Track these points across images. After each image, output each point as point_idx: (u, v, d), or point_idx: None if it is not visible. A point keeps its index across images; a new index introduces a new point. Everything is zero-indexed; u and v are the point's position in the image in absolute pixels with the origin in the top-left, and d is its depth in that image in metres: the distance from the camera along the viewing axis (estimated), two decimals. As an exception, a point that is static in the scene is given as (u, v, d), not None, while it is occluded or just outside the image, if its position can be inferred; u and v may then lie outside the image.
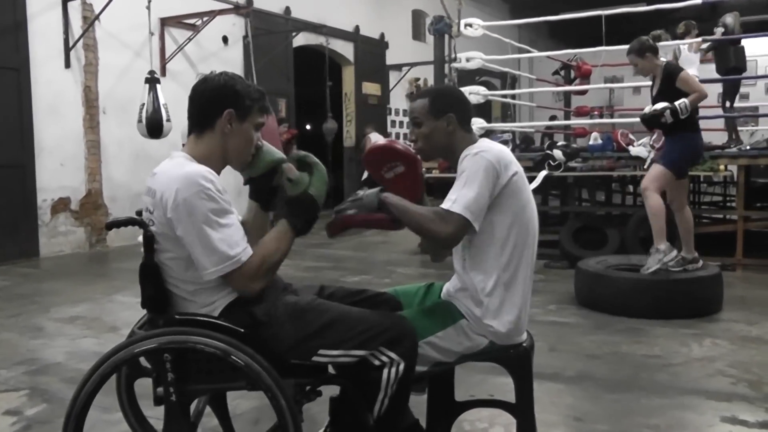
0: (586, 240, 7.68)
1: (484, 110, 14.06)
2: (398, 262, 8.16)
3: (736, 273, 7.01)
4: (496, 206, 2.33)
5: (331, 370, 2.31)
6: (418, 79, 16.60)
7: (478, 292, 2.38)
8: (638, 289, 5.38)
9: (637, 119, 6.04)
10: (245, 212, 2.39)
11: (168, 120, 8.40)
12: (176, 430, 2.10)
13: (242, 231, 2.13)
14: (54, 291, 6.75)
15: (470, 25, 8.73)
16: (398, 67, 16.11)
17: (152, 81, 8.32)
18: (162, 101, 8.31)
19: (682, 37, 8.65)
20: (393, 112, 16.45)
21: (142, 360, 2.19)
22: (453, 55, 8.79)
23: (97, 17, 9.20)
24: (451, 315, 2.41)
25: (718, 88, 9.90)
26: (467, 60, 8.70)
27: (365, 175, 3.01)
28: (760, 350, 4.50)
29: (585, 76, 11.18)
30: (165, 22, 10.42)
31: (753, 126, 11.66)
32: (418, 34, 17.22)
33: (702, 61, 9.16)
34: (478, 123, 8.02)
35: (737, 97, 9.62)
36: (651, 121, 5.52)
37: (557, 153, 7.68)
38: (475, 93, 8.39)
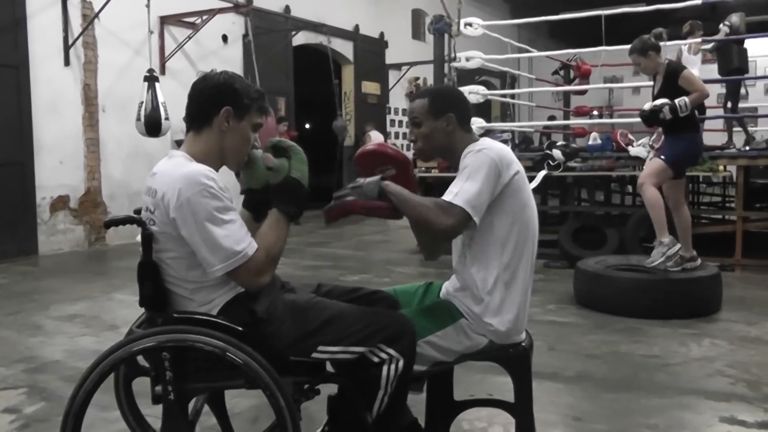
0: (586, 240, 7.68)
1: (484, 110, 14.06)
2: (397, 261, 8.16)
3: (735, 273, 7.01)
4: (497, 205, 2.32)
5: (329, 368, 2.31)
6: (417, 79, 16.61)
7: (478, 290, 2.37)
8: (637, 289, 5.38)
9: (637, 119, 6.05)
10: None
11: (167, 118, 8.40)
12: (174, 429, 2.10)
13: (245, 227, 2.13)
14: (53, 289, 6.75)
15: (470, 25, 8.72)
16: (398, 67, 16.12)
17: (151, 79, 8.32)
18: (161, 99, 8.31)
19: (686, 36, 8.65)
20: (392, 111, 16.46)
21: (141, 359, 2.19)
22: (453, 55, 8.78)
23: (96, 15, 9.20)
24: (450, 314, 2.40)
25: (718, 88, 9.91)
26: (467, 59, 8.71)
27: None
28: (759, 350, 4.51)
29: (584, 76, 11.19)
30: (164, 20, 10.42)
31: (752, 126, 11.66)
32: (417, 34, 17.23)
33: (704, 62, 9.16)
34: (477, 122, 8.02)
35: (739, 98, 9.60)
36: (650, 118, 5.51)
37: (556, 153, 7.68)
38: (474, 92, 8.39)
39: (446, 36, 8.79)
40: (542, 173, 7.51)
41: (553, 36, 21.54)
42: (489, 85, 15.11)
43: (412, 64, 15.93)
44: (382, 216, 2.37)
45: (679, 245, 5.46)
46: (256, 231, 2.20)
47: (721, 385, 3.86)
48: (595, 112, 11.86)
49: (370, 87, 15.62)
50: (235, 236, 2.06)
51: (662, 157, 5.55)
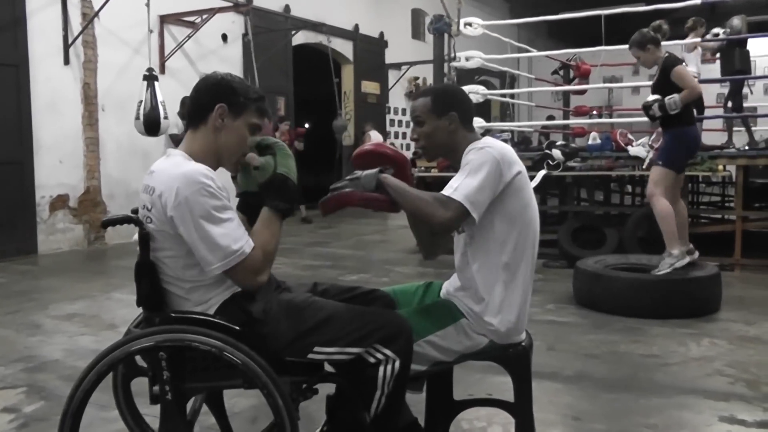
0: (585, 239, 7.68)
1: (483, 110, 14.08)
2: (396, 261, 8.15)
3: (734, 273, 7.01)
4: (499, 204, 2.32)
5: (327, 367, 2.30)
6: (417, 78, 16.61)
7: (478, 290, 2.37)
8: (637, 288, 5.38)
9: (636, 119, 6.07)
10: None
11: (166, 117, 8.40)
12: (172, 429, 2.09)
13: (243, 226, 2.13)
14: (52, 288, 6.75)
15: (470, 24, 8.72)
16: (397, 66, 16.12)
17: (150, 78, 8.31)
18: (160, 98, 8.30)
19: (688, 32, 8.66)
20: (392, 111, 16.46)
21: (139, 359, 2.18)
22: (452, 54, 8.78)
23: (96, 14, 9.19)
24: (451, 314, 2.40)
25: (717, 88, 9.90)
26: (466, 59, 8.70)
27: None
28: (758, 350, 4.51)
29: (584, 76, 11.19)
30: (164, 19, 10.42)
31: (752, 126, 11.66)
32: (417, 33, 17.23)
33: (704, 61, 9.15)
34: (477, 122, 8.02)
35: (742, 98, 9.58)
36: (645, 113, 5.57)
37: (556, 152, 7.68)
38: (474, 92, 8.37)
39: (446, 36, 8.79)
40: (542, 173, 7.50)
41: (553, 36, 21.54)
42: (488, 85, 15.12)
43: (411, 64, 15.94)
44: (379, 208, 2.36)
45: (687, 259, 5.46)
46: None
47: (721, 384, 3.86)
48: (595, 112, 11.86)
49: (370, 87, 15.63)
50: (233, 235, 2.06)
51: (659, 162, 5.57)
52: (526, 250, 2.38)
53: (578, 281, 5.81)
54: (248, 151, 2.27)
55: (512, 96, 13.20)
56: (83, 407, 2.03)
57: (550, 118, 13.47)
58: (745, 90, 9.46)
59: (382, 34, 15.87)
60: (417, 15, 17.21)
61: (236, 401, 3.43)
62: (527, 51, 11.25)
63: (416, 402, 2.59)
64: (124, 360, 2.11)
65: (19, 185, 8.61)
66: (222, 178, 2.20)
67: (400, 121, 16.74)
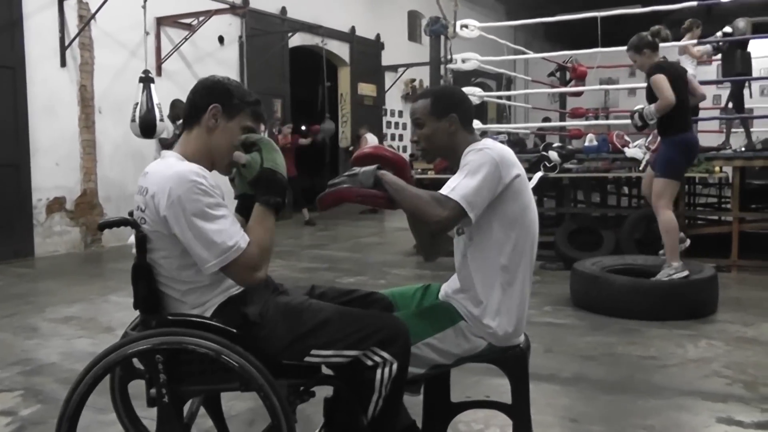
0: (582, 241, 7.68)
1: (480, 111, 14.06)
2: (393, 263, 8.15)
3: (731, 274, 7.01)
4: (497, 207, 2.31)
5: (325, 370, 2.30)
6: (413, 80, 16.62)
7: (477, 292, 2.37)
8: (634, 290, 5.38)
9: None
10: None
11: (162, 119, 8.41)
12: (169, 432, 2.09)
13: (238, 223, 2.12)
14: (49, 291, 6.73)
15: (466, 26, 8.72)
16: (394, 68, 16.13)
17: (146, 80, 8.32)
18: (156, 101, 8.31)
19: (684, 34, 8.67)
20: (389, 113, 16.46)
21: (136, 361, 2.18)
22: (449, 56, 8.78)
23: (93, 16, 9.18)
24: (449, 316, 2.40)
25: (713, 90, 9.90)
26: (463, 61, 8.71)
27: None
28: (756, 351, 4.51)
29: (580, 78, 11.20)
30: (161, 21, 10.42)
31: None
32: (413, 35, 17.24)
33: (700, 63, 9.16)
34: (474, 124, 8.02)
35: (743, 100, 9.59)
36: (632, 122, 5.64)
37: (553, 154, 7.68)
38: (470, 94, 8.37)
39: (442, 38, 8.79)
40: (538, 174, 7.51)
41: (549, 38, 21.58)
42: (485, 87, 15.15)
43: (408, 66, 15.94)
44: (376, 205, 2.36)
45: (687, 272, 5.47)
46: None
47: (718, 385, 3.86)
48: (591, 114, 11.88)
49: (367, 89, 15.64)
50: (228, 231, 2.05)
51: (660, 174, 5.58)
52: (525, 253, 2.38)
53: (575, 283, 5.81)
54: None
55: (509, 98, 13.21)
56: (80, 410, 2.03)
57: (546, 119, 13.48)
58: (745, 91, 9.45)
59: (378, 36, 15.87)
60: (413, 17, 17.22)
61: (233, 404, 3.42)
62: (524, 53, 11.27)
63: (413, 404, 2.58)
64: (121, 363, 2.11)
65: (15, 188, 8.59)
66: (220, 179, 2.20)
67: (396, 123, 16.74)
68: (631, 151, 7.47)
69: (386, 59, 16.08)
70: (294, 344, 2.15)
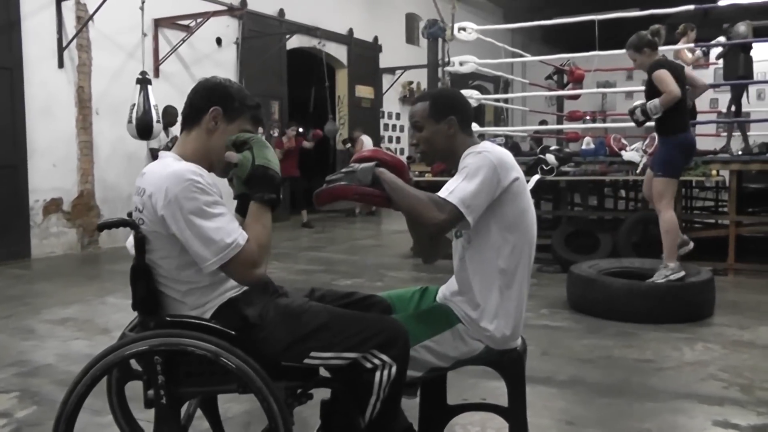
0: (579, 244, 7.69)
1: (477, 114, 14.10)
2: (390, 265, 8.15)
3: (728, 278, 7.02)
4: (496, 210, 2.32)
5: (323, 372, 2.30)
6: (411, 83, 16.62)
7: (475, 295, 2.37)
8: (630, 293, 5.38)
9: (630, 124, 6.08)
10: None
11: (158, 121, 8.43)
12: (166, 433, 2.09)
13: (236, 221, 2.12)
14: (45, 292, 6.72)
15: (464, 29, 8.74)
16: (391, 71, 16.13)
17: (143, 82, 8.32)
18: (153, 102, 8.31)
19: (679, 38, 8.69)
20: (386, 115, 16.46)
21: (133, 362, 2.18)
22: (446, 59, 8.80)
23: (90, 17, 9.17)
24: (447, 319, 2.40)
25: (711, 93, 9.88)
26: (460, 64, 8.72)
27: None
28: (752, 354, 4.52)
29: (578, 81, 11.22)
30: (158, 23, 10.41)
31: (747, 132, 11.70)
32: (411, 38, 17.24)
33: (696, 66, 9.18)
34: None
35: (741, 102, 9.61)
36: (632, 119, 5.61)
37: (550, 157, 7.69)
38: (468, 97, 8.39)
39: (440, 40, 8.81)
40: (535, 177, 7.51)
41: (547, 41, 21.57)
42: (482, 90, 15.11)
43: (405, 69, 15.93)
44: (374, 203, 2.35)
45: (683, 272, 5.47)
46: None
47: (714, 389, 3.87)
48: (588, 117, 11.90)
49: (364, 91, 15.64)
50: (226, 228, 2.04)
51: (660, 173, 5.58)
52: (523, 256, 2.38)
53: (572, 286, 5.81)
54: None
55: (506, 101, 13.23)
56: (77, 412, 2.03)
57: (543, 122, 13.49)
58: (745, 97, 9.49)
59: (376, 39, 15.88)
60: (411, 19, 17.23)
61: (230, 406, 3.42)
62: (521, 56, 11.29)
63: (410, 407, 2.58)
64: (118, 364, 2.11)
65: (12, 189, 8.58)
66: (218, 179, 2.20)
67: (394, 126, 16.75)
68: (628, 155, 7.48)
69: (384, 62, 16.08)
70: (293, 346, 2.14)
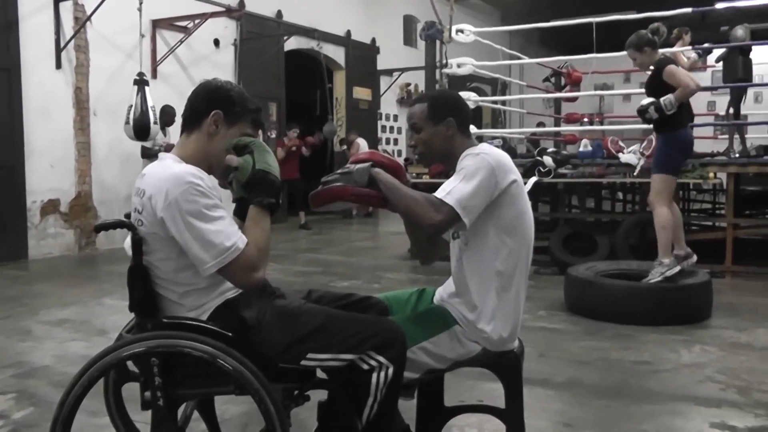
0: (576, 246, 7.70)
1: (475, 116, 14.08)
2: (387, 267, 8.15)
3: (725, 280, 7.03)
4: (493, 212, 2.32)
5: (320, 374, 2.30)
6: (409, 85, 16.63)
7: (472, 297, 2.37)
8: (628, 295, 5.39)
9: (628, 126, 6.09)
10: None
11: (155, 122, 8.42)
12: (163, 435, 2.09)
13: (235, 224, 2.12)
14: (43, 294, 6.72)
15: (461, 31, 8.74)
16: (389, 72, 16.12)
17: (141, 83, 8.32)
18: (150, 103, 8.31)
19: (674, 42, 8.71)
20: (383, 117, 16.46)
21: (130, 364, 2.17)
22: (444, 61, 8.80)
23: (88, 18, 9.17)
24: (444, 320, 2.40)
25: (708, 96, 9.90)
26: (458, 66, 8.72)
27: None
28: (749, 357, 4.52)
29: (575, 83, 11.23)
30: (156, 24, 10.41)
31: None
32: (409, 40, 17.24)
33: (693, 69, 9.19)
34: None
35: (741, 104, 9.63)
36: (641, 117, 5.59)
37: (547, 159, 7.70)
38: (465, 99, 8.38)
39: (438, 42, 8.81)
40: (533, 179, 7.52)
41: (544, 43, 21.58)
42: (480, 92, 15.07)
43: (403, 70, 15.92)
44: (370, 204, 2.35)
45: (678, 267, 5.47)
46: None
47: (712, 391, 3.87)
48: (586, 119, 11.91)
49: (362, 93, 15.64)
50: (226, 232, 2.04)
51: (657, 170, 5.59)
52: (521, 258, 2.38)
53: (569, 288, 5.82)
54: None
55: (504, 103, 13.21)
56: (74, 413, 2.02)
57: (540, 125, 13.50)
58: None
59: (374, 40, 15.88)
60: (409, 21, 17.23)
61: (227, 408, 3.41)
62: (519, 58, 11.28)
63: (407, 408, 2.58)
64: (115, 366, 2.10)
65: (10, 190, 8.57)
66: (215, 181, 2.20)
67: (391, 128, 16.75)
68: (625, 157, 7.49)
69: (381, 63, 16.08)
70: (291, 348, 2.14)
